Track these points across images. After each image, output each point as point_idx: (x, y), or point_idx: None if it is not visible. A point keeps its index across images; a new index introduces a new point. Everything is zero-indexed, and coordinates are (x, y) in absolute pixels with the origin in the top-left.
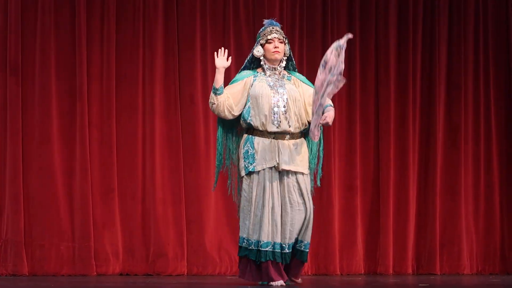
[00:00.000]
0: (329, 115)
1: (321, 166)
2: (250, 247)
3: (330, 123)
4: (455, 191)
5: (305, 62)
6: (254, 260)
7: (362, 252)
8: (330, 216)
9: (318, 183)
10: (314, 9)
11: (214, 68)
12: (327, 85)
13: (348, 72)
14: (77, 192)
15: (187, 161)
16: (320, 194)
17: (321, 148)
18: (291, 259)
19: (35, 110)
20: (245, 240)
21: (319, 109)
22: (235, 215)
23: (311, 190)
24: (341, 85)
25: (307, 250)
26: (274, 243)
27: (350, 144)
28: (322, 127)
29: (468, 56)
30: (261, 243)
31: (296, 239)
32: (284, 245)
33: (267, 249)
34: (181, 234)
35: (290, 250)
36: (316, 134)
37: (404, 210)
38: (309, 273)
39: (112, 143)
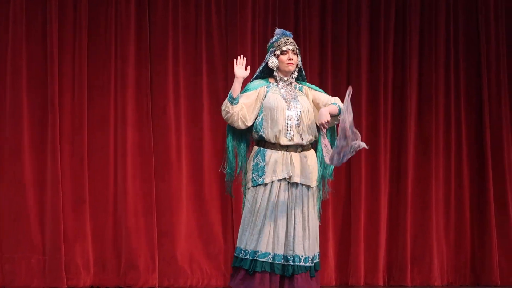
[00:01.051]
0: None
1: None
2: (245, 257)
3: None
4: (426, 203)
5: None
6: (246, 269)
7: (333, 264)
8: None
9: (326, 195)
10: (286, 22)
11: (186, 79)
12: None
13: (320, 85)
14: (48, 204)
15: (159, 172)
16: None
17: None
18: (301, 275)
19: (6, 122)
20: (242, 251)
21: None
22: (207, 227)
23: (318, 201)
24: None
25: (314, 263)
26: (275, 254)
27: None
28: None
29: (439, 69)
30: (259, 253)
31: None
32: (289, 257)
33: (264, 259)
34: (153, 246)
35: (300, 263)
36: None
37: (375, 222)
38: None
39: (84, 155)
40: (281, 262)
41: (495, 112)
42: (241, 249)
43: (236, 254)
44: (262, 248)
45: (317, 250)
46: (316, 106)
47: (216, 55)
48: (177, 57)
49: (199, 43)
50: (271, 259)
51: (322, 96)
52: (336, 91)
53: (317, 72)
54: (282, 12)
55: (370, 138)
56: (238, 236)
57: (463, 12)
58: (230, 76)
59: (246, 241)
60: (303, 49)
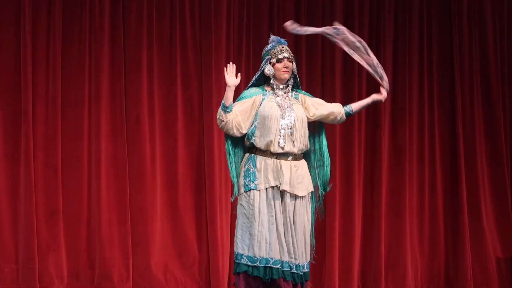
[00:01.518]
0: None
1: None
2: (255, 264)
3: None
4: (400, 212)
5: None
6: (261, 277)
7: (311, 271)
8: None
9: (321, 207)
10: (260, 32)
11: (160, 89)
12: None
13: None
14: (22, 213)
15: (133, 182)
16: None
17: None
18: (294, 284)
19: None
20: (243, 257)
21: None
22: (181, 237)
23: (312, 210)
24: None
25: (307, 271)
26: (282, 261)
27: None
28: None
29: (413, 78)
30: (272, 260)
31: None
32: (291, 265)
33: (278, 266)
34: (127, 256)
35: (298, 271)
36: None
37: (350, 231)
38: None
39: (57, 165)
40: (288, 269)
41: (468, 120)
42: (243, 255)
43: (237, 260)
44: (275, 255)
45: (308, 259)
46: (319, 106)
47: (191, 65)
48: (151, 67)
49: (173, 53)
50: (281, 265)
51: (321, 101)
52: None
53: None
54: (256, 22)
55: (344, 147)
56: (237, 242)
57: (436, 21)
58: (204, 86)
59: (251, 248)
60: None
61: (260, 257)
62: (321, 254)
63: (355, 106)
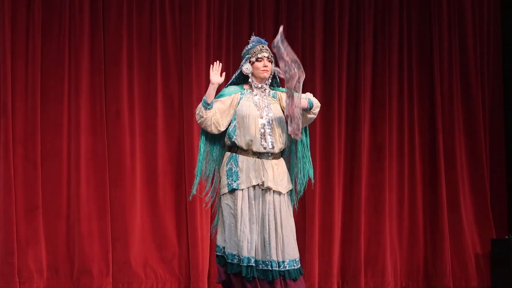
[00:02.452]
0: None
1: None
2: (240, 263)
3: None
4: (380, 208)
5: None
6: (244, 276)
7: None
8: None
9: (296, 203)
10: (240, 27)
11: (140, 84)
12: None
13: None
14: (1, 208)
15: (113, 177)
16: None
17: (309, 168)
18: (283, 281)
19: None
20: (236, 257)
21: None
22: (161, 232)
23: (292, 206)
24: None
25: (292, 267)
26: (255, 259)
27: None
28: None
29: (392, 74)
30: (253, 259)
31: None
32: (267, 262)
33: (256, 265)
34: (106, 251)
35: (276, 268)
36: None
37: (330, 227)
38: None
39: (37, 159)
40: (260, 267)
41: (448, 116)
42: (234, 255)
43: (230, 260)
44: (245, 253)
45: (296, 256)
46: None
47: (171, 60)
48: (131, 62)
49: (153, 48)
50: (254, 263)
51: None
52: None
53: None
54: (237, 18)
55: (324, 142)
56: (226, 242)
57: (416, 17)
58: (184, 81)
59: (238, 247)
60: None
61: (242, 256)
62: (301, 250)
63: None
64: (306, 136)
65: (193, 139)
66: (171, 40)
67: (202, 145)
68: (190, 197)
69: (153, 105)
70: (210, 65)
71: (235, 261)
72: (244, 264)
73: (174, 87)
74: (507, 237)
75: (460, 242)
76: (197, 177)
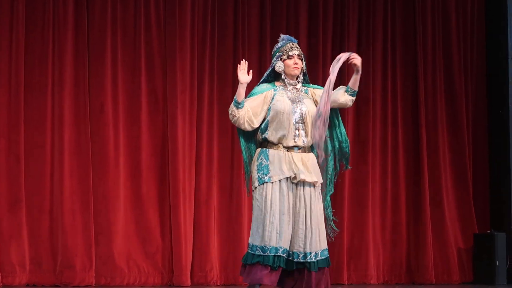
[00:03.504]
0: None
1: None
2: (266, 253)
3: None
4: (363, 203)
5: (216, 73)
6: (271, 265)
7: None
8: (240, 227)
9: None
10: (225, 19)
11: (124, 77)
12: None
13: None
14: None
15: (96, 170)
16: (230, 205)
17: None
18: (307, 272)
19: None
20: (258, 248)
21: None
22: (144, 226)
23: (327, 201)
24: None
25: (318, 259)
26: (287, 250)
27: None
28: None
29: (377, 70)
30: (281, 249)
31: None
32: (296, 253)
33: (285, 255)
34: (90, 245)
35: (311, 260)
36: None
37: None
38: (218, 283)
39: (20, 153)
40: (290, 258)
41: (431, 112)
42: (257, 246)
43: (252, 251)
44: (273, 243)
45: (324, 247)
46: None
47: (155, 53)
48: (116, 55)
49: (137, 42)
50: (286, 255)
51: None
52: None
53: (256, 70)
54: (221, 12)
55: None
56: (251, 234)
57: (400, 12)
58: (168, 75)
59: (263, 238)
60: (242, 47)
61: (270, 246)
62: None
63: (351, 83)
64: (341, 123)
65: (177, 133)
66: (155, 35)
67: (243, 147)
68: (248, 194)
69: (137, 99)
70: (194, 59)
71: (257, 252)
72: (272, 254)
73: (158, 82)
74: (489, 232)
75: (442, 237)
76: (247, 177)
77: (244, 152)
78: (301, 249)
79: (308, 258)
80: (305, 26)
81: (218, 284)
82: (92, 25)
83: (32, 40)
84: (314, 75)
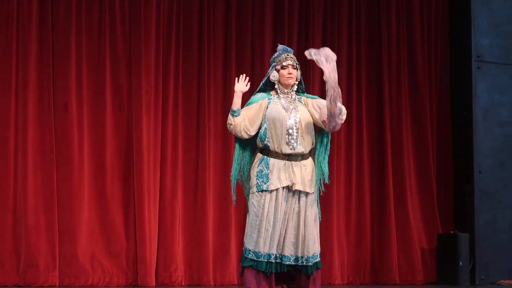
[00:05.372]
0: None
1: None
2: (260, 259)
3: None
4: (328, 203)
5: (181, 74)
6: (263, 271)
7: (235, 263)
8: (204, 227)
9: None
10: (191, 22)
11: (89, 77)
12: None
13: (223, 85)
14: None
15: (61, 170)
16: (194, 206)
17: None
18: (299, 274)
19: None
20: (250, 252)
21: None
22: (109, 226)
23: (318, 206)
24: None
25: (311, 263)
26: (283, 256)
27: (225, 156)
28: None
29: (341, 68)
30: (273, 255)
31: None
32: (286, 257)
33: (275, 260)
34: (53, 244)
35: (307, 263)
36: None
37: None
38: (183, 284)
39: None
40: (279, 261)
41: (396, 112)
42: (250, 250)
43: (245, 255)
44: (266, 250)
45: (316, 251)
46: (319, 109)
47: (120, 52)
48: (80, 54)
49: (102, 40)
50: (274, 259)
51: (323, 101)
52: None
53: (221, 69)
54: (187, 10)
55: None
56: (246, 237)
57: (365, 11)
58: (133, 74)
59: (257, 244)
60: (207, 47)
61: (264, 253)
62: None
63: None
64: (328, 140)
65: (142, 132)
66: (120, 33)
67: (237, 151)
68: (234, 203)
69: (102, 99)
70: (159, 60)
71: (250, 256)
72: (265, 260)
73: (123, 82)
74: (452, 232)
75: (406, 237)
76: (234, 182)
77: (236, 160)
78: (292, 253)
79: (299, 261)
80: (271, 27)
81: (183, 284)
82: (56, 24)
83: None
84: None
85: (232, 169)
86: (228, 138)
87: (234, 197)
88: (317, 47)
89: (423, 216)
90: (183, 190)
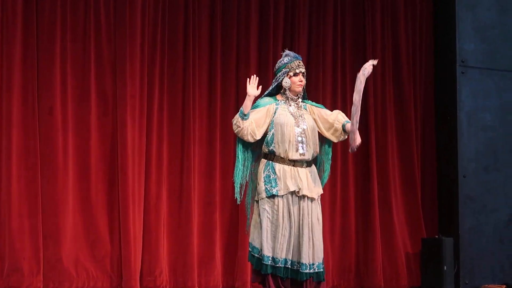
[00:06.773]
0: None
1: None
2: (278, 265)
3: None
4: None
5: (166, 78)
6: (281, 276)
7: (220, 267)
8: (189, 231)
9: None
10: (176, 23)
11: (74, 80)
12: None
13: (209, 89)
14: None
15: (45, 173)
16: (179, 210)
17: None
18: (309, 281)
19: None
20: (270, 259)
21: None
22: (93, 230)
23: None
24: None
25: (320, 270)
26: (300, 262)
27: (210, 160)
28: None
29: (326, 71)
30: (290, 261)
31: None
32: (300, 264)
33: (291, 266)
34: (37, 248)
35: (307, 270)
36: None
37: None
38: None
39: None
40: (295, 267)
41: (380, 116)
42: (268, 257)
43: (265, 262)
44: (284, 255)
45: (321, 257)
46: (324, 120)
47: (105, 55)
48: (65, 58)
49: (87, 44)
50: (290, 265)
51: (328, 111)
52: (226, 93)
53: (206, 73)
54: (172, 13)
55: None
56: (256, 238)
57: (350, 17)
58: (118, 78)
59: (275, 250)
60: (192, 51)
61: (281, 258)
62: (233, 249)
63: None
64: (330, 149)
65: (127, 137)
66: (105, 36)
67: (240, 152)
68: (238, 201)
69: (87, 102)
70: (144, 63)
71: (270, 262)
72: (282, 266)
73: (108, 84)
74: (437, 236)
75: (391, 241)
76: (237, 182)
77: (240, 161)
78: (307, 261)
79: (312, 269)
80: (256, 30)
81: None
82: (41, 27)
83: None
84: (264, 82)
85: (235, 170)
86: (213, 142)
87: (238, 196)
88: (302, 52)
89: (407, 220)
90: (168, 194)
